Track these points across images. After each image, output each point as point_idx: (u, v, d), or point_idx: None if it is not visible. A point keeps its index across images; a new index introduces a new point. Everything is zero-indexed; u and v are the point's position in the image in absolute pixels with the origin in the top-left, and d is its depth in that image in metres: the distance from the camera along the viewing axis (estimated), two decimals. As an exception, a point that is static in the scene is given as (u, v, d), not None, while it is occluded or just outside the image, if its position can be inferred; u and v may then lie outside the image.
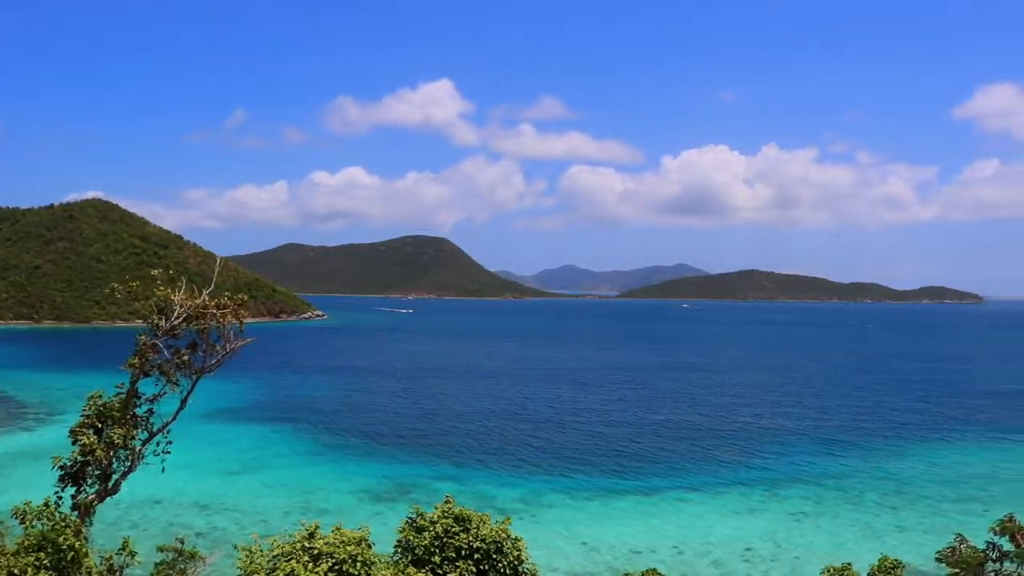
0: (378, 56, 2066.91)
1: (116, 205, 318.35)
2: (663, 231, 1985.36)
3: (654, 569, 23.59)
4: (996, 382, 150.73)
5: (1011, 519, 24.63)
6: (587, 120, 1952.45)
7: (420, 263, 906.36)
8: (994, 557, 24.27)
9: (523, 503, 63.76)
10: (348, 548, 15.67)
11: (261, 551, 16.05)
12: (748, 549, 53.84)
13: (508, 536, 17.52)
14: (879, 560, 22.55)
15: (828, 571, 22.48)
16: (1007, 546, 24.32)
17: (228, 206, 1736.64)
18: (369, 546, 16.69)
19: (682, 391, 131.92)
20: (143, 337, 18.58)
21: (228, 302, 19.30)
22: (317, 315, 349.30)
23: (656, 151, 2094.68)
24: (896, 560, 22.49)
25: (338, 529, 16.31)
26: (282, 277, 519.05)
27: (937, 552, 25.18)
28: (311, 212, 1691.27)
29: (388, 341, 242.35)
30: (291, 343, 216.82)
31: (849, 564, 22.77)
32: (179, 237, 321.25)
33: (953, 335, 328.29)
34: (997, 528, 24.56)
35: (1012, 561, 24.09)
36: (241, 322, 19.53)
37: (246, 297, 20.26)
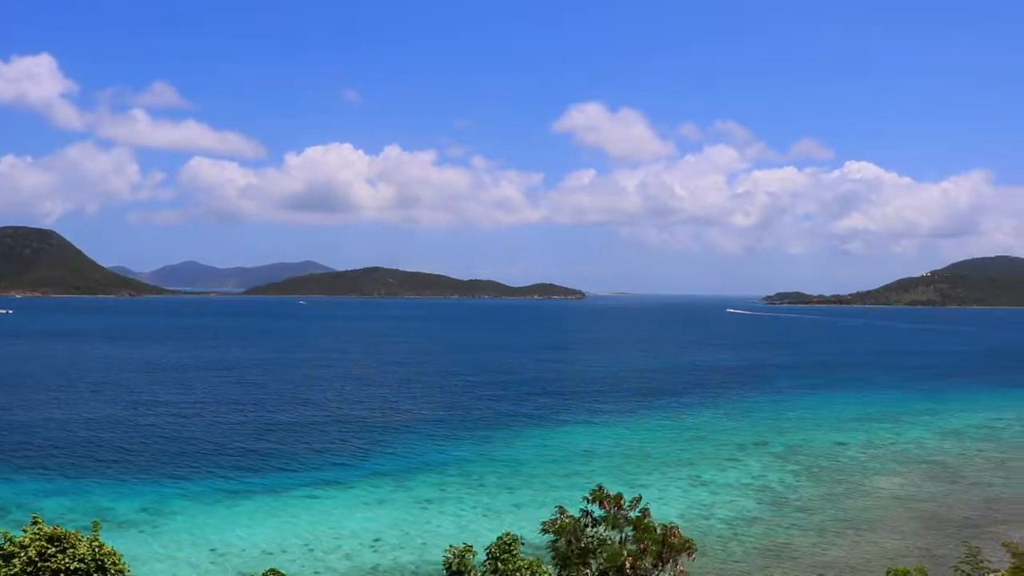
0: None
1: None
2: (289, 227, 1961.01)
3: (273, 569, 23.21)
4: (592, 369, 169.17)
5: (600, 489, 27.86)
6: (205, 110, 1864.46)
7: (21, 257, 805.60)
8: (587, 523, 27.30)
9: (145, 513, 59.71)
10: None
11: None
12: (377, 539, 55.13)
13: (107, 552, 16.17)
14: (498, 538, 24.00)
15: (451, 552, 23.59)
16: (598, 512, 27.48)
17: None
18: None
19: (300, 388, 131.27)
20: None
21: None
22: None
23: (279, 146, 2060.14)
24: (513, 536, 24.05)
25: None
26: None
27: (542, 523, 27.71)
28: None
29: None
30: None
31: (470, 546, 24.08)
32: None
33: (557, 327, 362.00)
34: (590, 497, 27.64)
35: (602, 524, 27.29)
36: None
37: None
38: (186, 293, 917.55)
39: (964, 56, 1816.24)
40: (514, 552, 23.22)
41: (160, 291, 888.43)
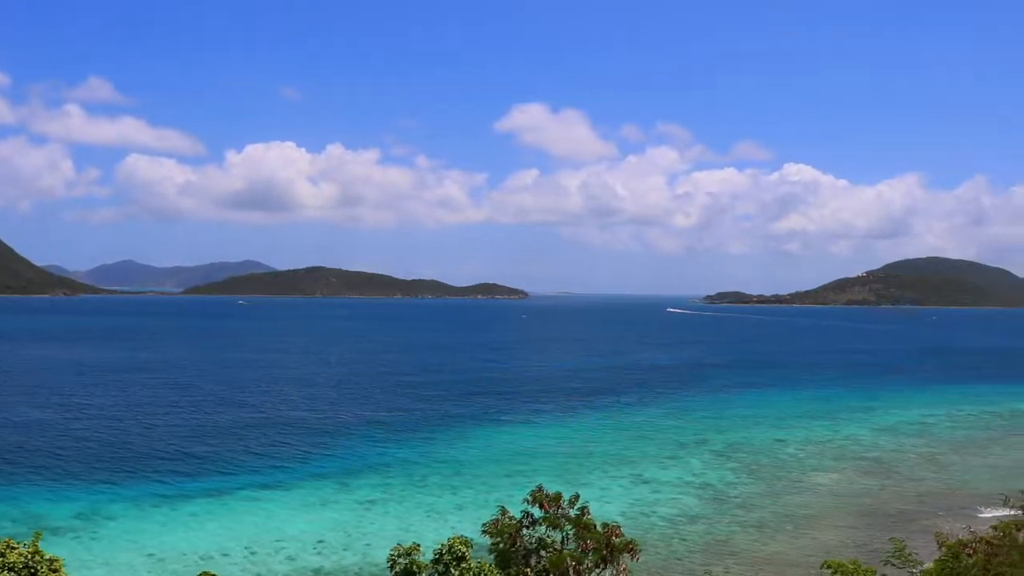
0: None
1: None
2: (229, 226, 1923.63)
3: (206, 572, 22.80)
4: (534, 368, 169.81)
5: (540, 489, 27.95)
6: (142, 106, 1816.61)
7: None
8: (527, 524, 27.37)
9: (81, 519, 58.32)
10: None
11: None
12: (320, 541, 54.64)
13: (43, 559, 15.64)
14: (448, 542, 23.77)
15: (396, 552, 23.35)
16: (538, 513, 27.56)
17: None
18: None
19: (238, 389, 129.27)
20: None
21: None
22: None
23: (219, 144, 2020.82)
24: (464, 540, 23.87)
25: None
26: None
27: (483, 524, 27.66)
28: None
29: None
30: None
31: (417, 545, 23.87)
32: None
33: (500, 327, 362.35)
34: (529, 498, 27.70)
35: (541, 525, 27.39)
36: None
37: None
38: (123, 292, 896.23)
39: (898, 61, 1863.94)
40: (467, 561, 23.05)
41: (96, 290, 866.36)
